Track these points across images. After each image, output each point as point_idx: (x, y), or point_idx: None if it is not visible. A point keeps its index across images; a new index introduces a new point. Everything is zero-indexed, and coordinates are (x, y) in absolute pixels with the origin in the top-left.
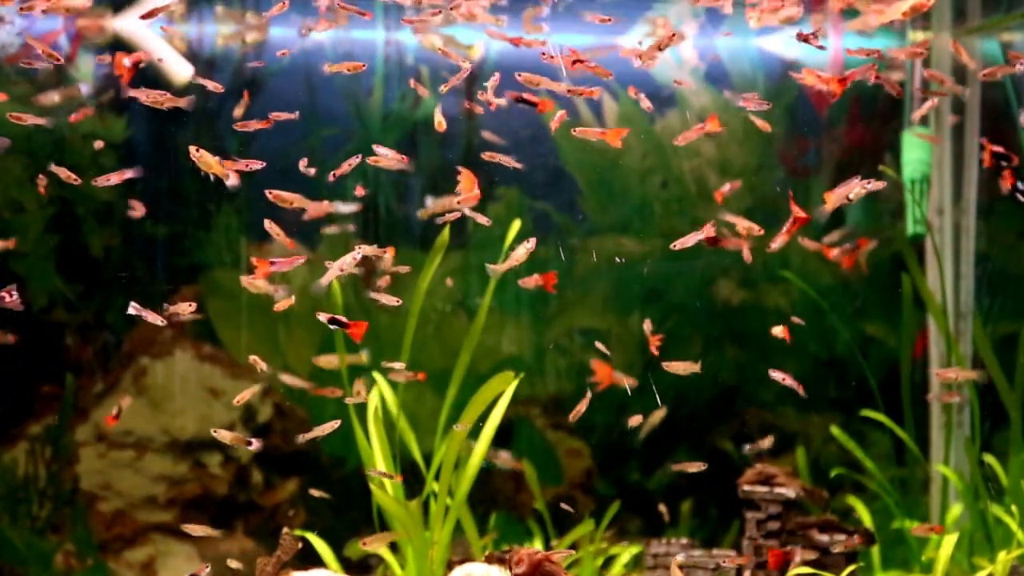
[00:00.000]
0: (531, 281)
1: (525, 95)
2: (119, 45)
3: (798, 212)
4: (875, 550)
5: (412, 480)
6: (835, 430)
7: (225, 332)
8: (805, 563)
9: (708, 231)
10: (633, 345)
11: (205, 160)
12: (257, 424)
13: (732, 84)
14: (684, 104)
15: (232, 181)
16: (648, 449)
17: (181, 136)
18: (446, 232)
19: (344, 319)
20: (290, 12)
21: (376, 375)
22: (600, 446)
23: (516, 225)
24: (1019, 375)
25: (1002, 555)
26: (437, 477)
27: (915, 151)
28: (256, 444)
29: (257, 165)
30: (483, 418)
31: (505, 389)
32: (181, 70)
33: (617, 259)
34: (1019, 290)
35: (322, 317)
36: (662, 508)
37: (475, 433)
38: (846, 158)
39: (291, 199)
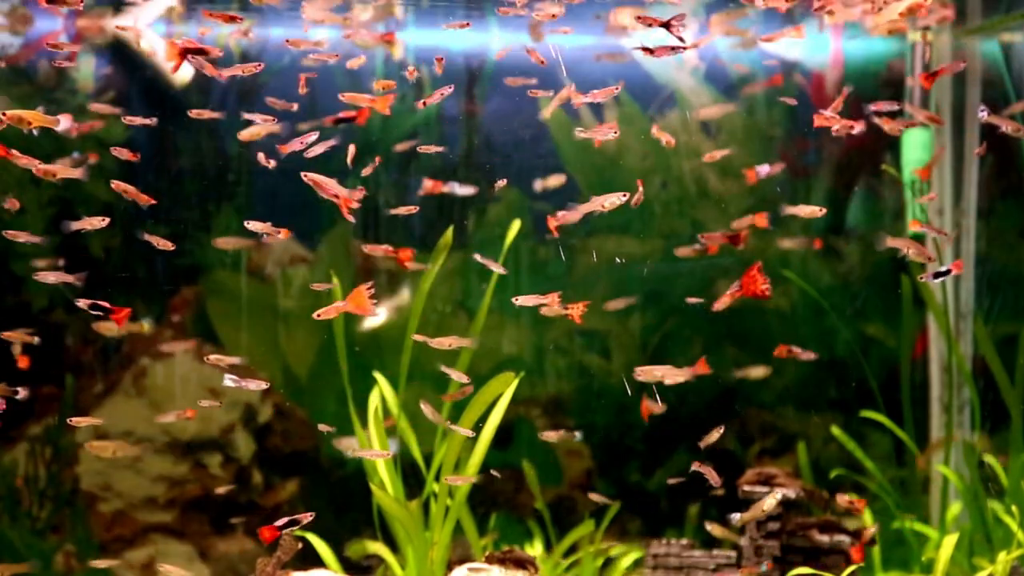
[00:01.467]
0: (379, 250)
1: (343, 114)
2: (119, 46)
3: (756, 286)
4: (875, 550)
5: (412, 481)
6: (835, 430)
7: (225, 332)
8: (805, 563)
9: (552, 300)
10: (633, 346)
11: (17, 117)
12: (258, 425)
13: (732, 84)
14: (684, 104)
15: (65, 124)
16: (648, 450)
17: (181, 137)
18: (449, 233)
19: (106, 304)
20: (292, 12)
21: (377, 375)
22: (600, 447)
23: (516, 225)
24: (1019, 375)
25: (1002, 555)
26: (437, 478)
27: (915, 151)
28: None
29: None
30: (483, 419)
31: (505, 390)
32: (181, 71)
33: (617, 260)
34: (1019, 290)
35: (82, 303)
36: (597, 497)
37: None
38: (846, 158)
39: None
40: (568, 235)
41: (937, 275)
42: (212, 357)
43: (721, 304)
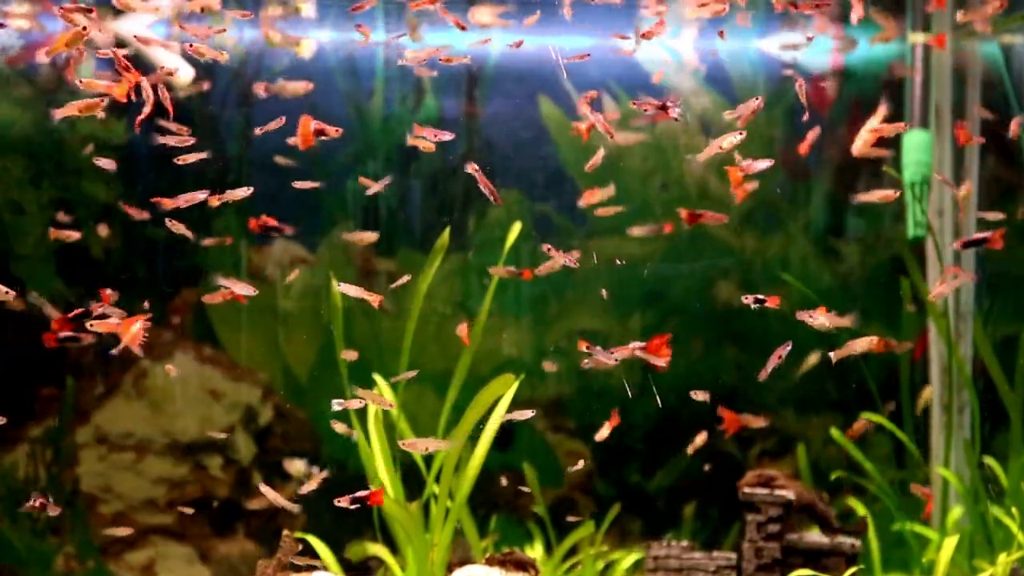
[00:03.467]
0: (218, 296)
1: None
2: (119, 47)
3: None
4: (875, 552)
5: (413, 482)
6: (835, 432)
7: (225, 334)
8: (806, 565)
9: (374, 298)
10: None
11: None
12: (258, 427)
13: (732, 86)
14: (685, 106)
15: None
16: (648, 451)
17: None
18: (446, 234)
19: None
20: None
21: (376, 376)
22: (600, 448)
23: (516, 227)
24: (1019, 377)
25: (1002, 557)
26: (438, 479)
27: (915, 153)
28: None
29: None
30: (483, 420)
31: (505, 392)
32: (182, 73)
33: (617, 261)
34: (1019, 291)
35: None
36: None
37: (475, 435)
38: (847, 160)
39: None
40: (568, 236)
41: (757, 301)
42: (168, 367)
43: (622, 353)
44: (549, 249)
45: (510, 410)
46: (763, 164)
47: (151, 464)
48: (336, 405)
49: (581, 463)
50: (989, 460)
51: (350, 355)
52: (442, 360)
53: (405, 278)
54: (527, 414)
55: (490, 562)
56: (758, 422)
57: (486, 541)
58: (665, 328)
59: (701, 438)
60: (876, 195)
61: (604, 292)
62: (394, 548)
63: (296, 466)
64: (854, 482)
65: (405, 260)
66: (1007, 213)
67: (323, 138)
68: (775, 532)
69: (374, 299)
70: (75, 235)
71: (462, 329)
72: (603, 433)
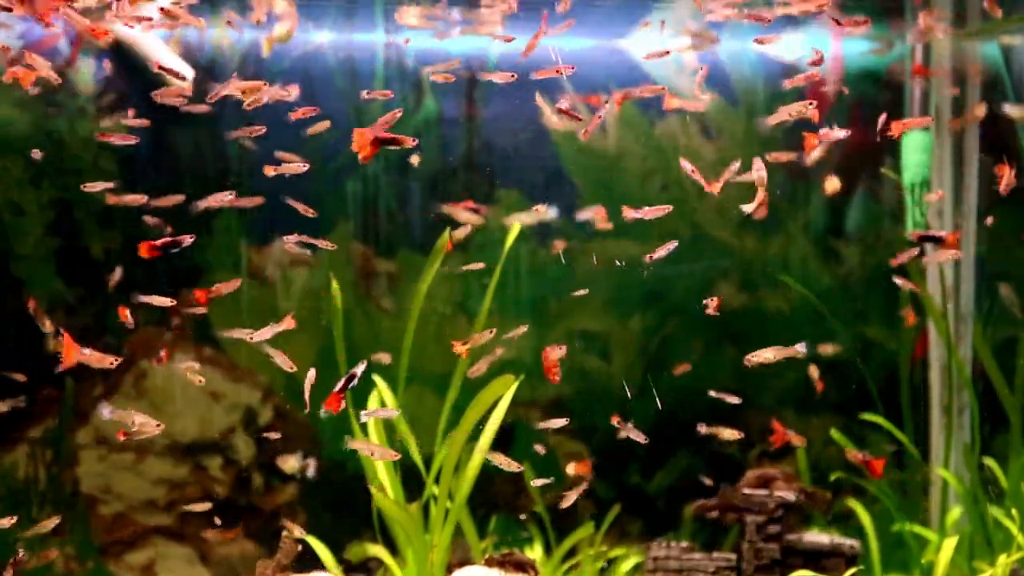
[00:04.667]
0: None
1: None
2: (120, 48)
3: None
4: (875, 553)
5: (413, 483)
6: (835, 433)
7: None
8: (806, 566)
9: (288, 321)
10: (634, 348)
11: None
12: (258, 427)
13: (732, 87)
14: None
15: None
16: (648, 452)
17: (181, 139)
18: (446, 235)
19: None
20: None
21: (376, 378)
22: (600, 449)
23: (516, 228)
24: (1019, 378)
25: (1002, 558)
26: (437, 480)
27: (915, 154)
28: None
29: None
30: (483, 421)
31: (505, 392)
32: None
33: (617, 262)
34: (1019, 293)
35: None
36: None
37: (475, 436)
38: (847, 161)
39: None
40: (568, 237)
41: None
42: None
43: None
44: (651, 258)
45: (510, 411)
46: (841, 133)
47: (151, 465)
48: (363, 416)
49: (542, 481)
50: (989, 461)
51: (383, 358)
52: (442, 361)
53: (478, 264)
54: (559, 423)
55: (489, 563)
56: (799, 440)
57: (485, 542)
58: (664, 329)
59: (730, 433)
60: (933, 196)
61: (578, 292)
62: (394, 549)
63: (290, 463)
64: (854, 483)
65: (405, 261)
66: (1007, 214)
67: (394, 148)
68: (774, 533)
69: (286, 324)
70: (140, 199)
71: (457, 346)
72: (572, 468)
